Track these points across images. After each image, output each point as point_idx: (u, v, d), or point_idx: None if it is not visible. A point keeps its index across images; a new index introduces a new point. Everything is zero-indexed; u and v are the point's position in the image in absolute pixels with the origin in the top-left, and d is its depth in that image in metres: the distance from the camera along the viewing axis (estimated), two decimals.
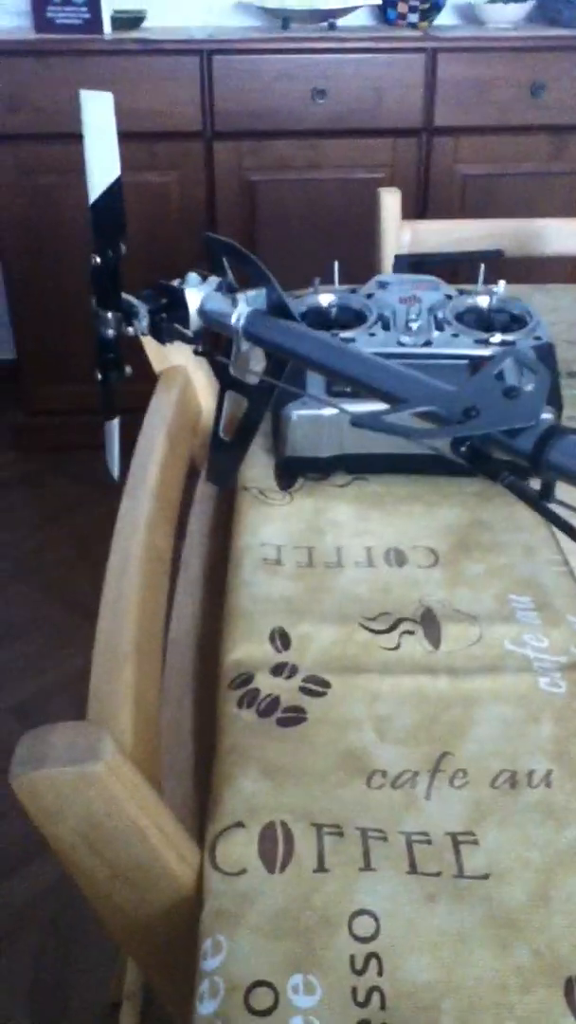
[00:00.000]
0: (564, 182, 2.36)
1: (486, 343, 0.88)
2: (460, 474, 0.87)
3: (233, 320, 0.65)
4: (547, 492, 0.50)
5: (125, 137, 2.55)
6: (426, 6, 2.33)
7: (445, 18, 2.48)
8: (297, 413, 0.82)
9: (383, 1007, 0.46)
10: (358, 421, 0.50)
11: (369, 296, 0.94)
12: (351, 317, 0.92)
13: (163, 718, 0.73)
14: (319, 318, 0.93)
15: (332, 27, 2.27)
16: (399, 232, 1.41)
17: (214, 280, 0.68)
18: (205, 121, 2.18)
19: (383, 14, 2.40)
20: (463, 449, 0.50)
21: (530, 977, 0.47)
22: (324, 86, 2.16)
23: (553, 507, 0.53)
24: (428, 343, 0.88)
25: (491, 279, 0.96)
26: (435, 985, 0.47)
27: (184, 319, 0.67)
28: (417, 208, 2.34)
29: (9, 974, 1.30)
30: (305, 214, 2.30)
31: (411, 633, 0.70)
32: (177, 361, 0.95)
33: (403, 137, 2.26)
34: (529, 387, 0.50)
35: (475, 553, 0.78)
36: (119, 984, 1.15)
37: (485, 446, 0.50)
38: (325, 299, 0.94)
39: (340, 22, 2.31)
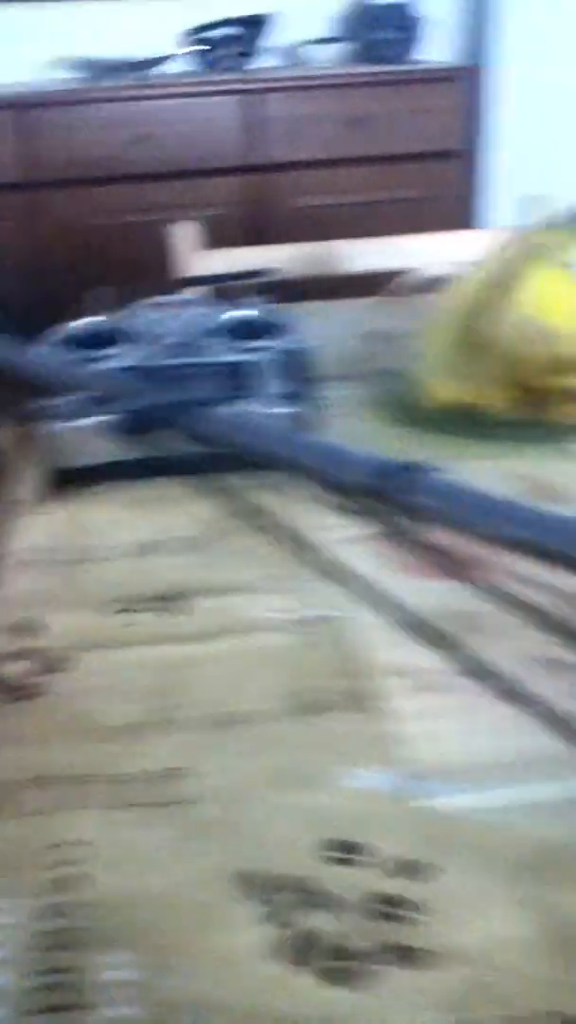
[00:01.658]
0: (391, 209, 2.49)
1: (244, 350, 0.97)
2: (217, 473, 0.95)
3: None
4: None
5: None
6: (244, 49, 2.44)
7: (269, 60, 2.60)
8: (58, 426, 0.89)
9: (81, 919, 0.52)
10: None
11: (133, 317, 1.01)
12: (113, 337, 0.99)
13: None
14: (83, 341, 0.99)
15: (151, 75, 2.37)
16: (196, 263, 1.49)
17: None
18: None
19: (203, 59, 2.50)
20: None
21: (211, 877, 0.54)
22: (147, 132, 2.25)
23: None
24: (189, 353, 0.95)
25: (286, 299, 1.05)
26: (134, 894, 0.53)
27: None
28: (254, 244, 2.44)
29: None
30: (125, 258, 2.34)
31: (163, 611, 0.76)
32: None
33: (233, 175, 2.36)
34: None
35: (227, 539, 0.85)
36: None
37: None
38: (86, 324, 1.00)
39: (163, 69, 2.41)
